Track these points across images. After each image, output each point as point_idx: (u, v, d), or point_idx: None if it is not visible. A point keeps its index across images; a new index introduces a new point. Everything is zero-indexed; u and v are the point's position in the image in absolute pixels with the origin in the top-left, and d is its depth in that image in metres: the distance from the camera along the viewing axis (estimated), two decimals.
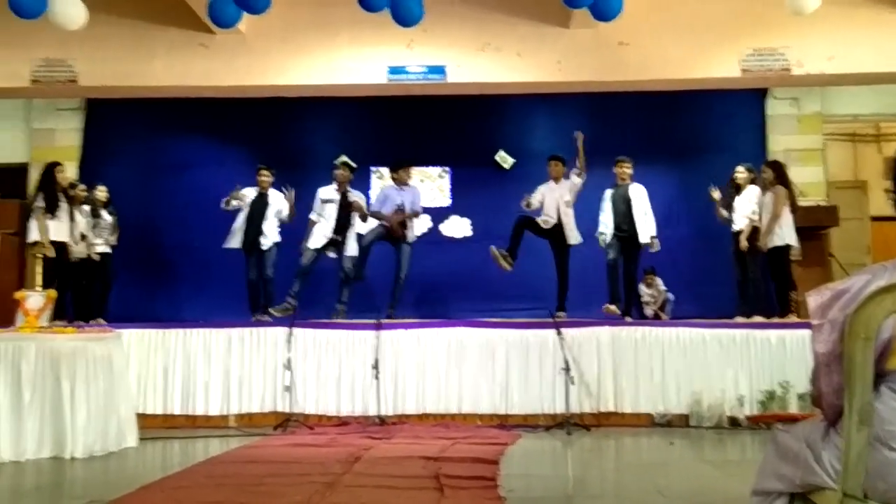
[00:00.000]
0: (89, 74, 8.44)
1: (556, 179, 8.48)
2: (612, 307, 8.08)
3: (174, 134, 10.42)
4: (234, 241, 8.52)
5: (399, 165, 8.81)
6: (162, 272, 10.02)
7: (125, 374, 6.50)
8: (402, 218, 8.47)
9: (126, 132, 10.40)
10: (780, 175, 8.02)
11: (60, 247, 7.90)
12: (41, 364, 5.73)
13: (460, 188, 10.46)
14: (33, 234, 7.85)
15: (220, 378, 7.55)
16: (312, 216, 8.50)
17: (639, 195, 8.33)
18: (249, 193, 8.57)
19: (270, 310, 8.13)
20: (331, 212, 8.47)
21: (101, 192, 8.86)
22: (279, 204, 8.58)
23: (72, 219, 8.20)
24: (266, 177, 8.59)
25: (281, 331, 7.58)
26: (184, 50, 8.42)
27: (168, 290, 9.91)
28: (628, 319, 8.03)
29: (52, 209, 7.87)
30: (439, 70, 8.48)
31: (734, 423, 7.24)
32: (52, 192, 7.91)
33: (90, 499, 4.19)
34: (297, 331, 7.55)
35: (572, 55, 8.38)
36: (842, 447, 1.93)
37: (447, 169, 10.43)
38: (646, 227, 8.26)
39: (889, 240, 9.86)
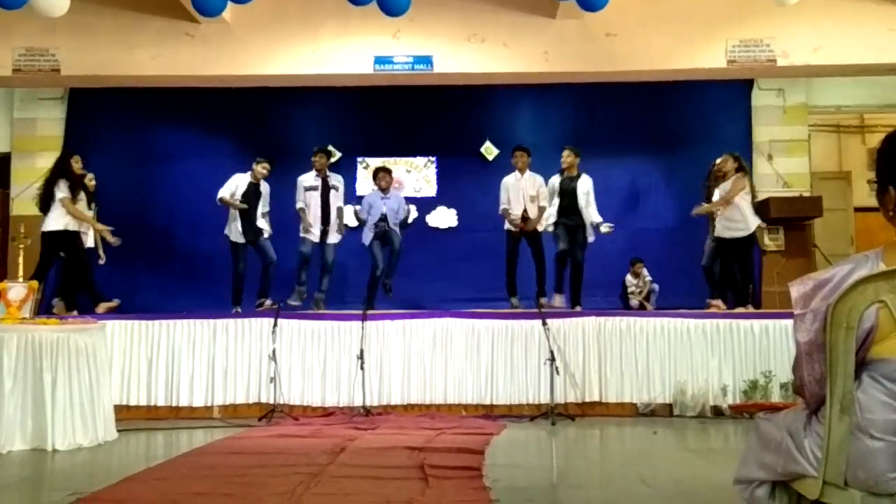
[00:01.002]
0: (72, 63, 8.35)
1: (522, 171, 8.52)
2: (556, 299, 8.26)
3: (158, 124, 10.34)
4: (234, 232, 8.45)
5: (378, 172, 8.82)
6: (146, 263, 9.95)
7: (107, 366, 6.45)
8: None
9: (109, 122, 10.30)
10: (741, 165, 8.16)
11: (74, 235, 7.85)
12: (23, 355, 5.68)
13: (446, 178, 10.45)
14: (58, 224, 7.75)
15: (204, 369, 7.52)
16: (299, 205, 8.47)
17: (585, 186, 8.37)
18: (241, 181, 8.50)
19: (289, 300, 8.13)
20: (315, 199, 8.44)
21: (91, 182, 8.71)
22: (268, 195, 8.56)
23: (89, 207, 8.16)
24: (263, 169, 8.52)
25: (266, 322, 7.55)
26: (168, 39, 8.35)
27: (152, 280, 9.85)
28: (578, 309, 8.05)
29: (75, 197, 7.81)
30: (426, 60, 8.45)
31: (717, 412, 7.29)
32: (73, 180, 7.85)
33: (73, 490, 4.16)
34: (281, 322, 7.52)
35: (559, 46, 8.37)
36: (823, 436, 1.94)
37: (433, 159, 10.41)
38: (589, 216, 8.33)
39: (872, 230, 9.90)
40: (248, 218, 8.40)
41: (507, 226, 8.48)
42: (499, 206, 8.53)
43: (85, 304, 8.12)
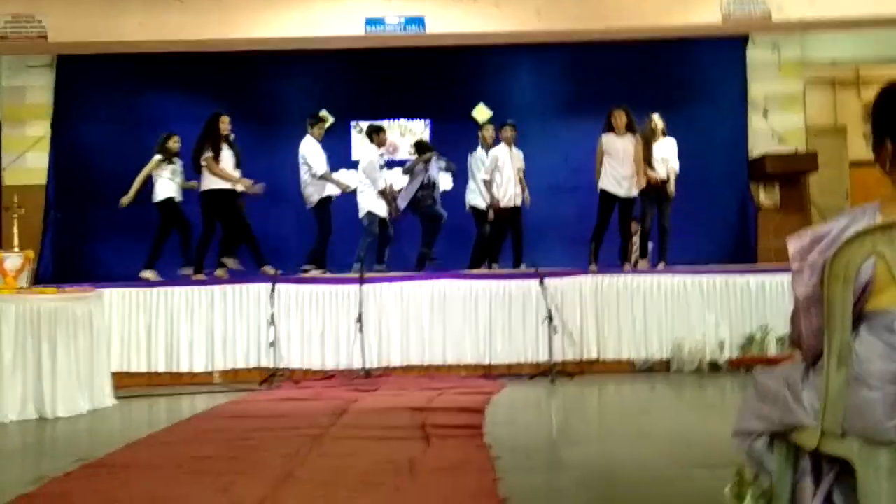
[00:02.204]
0: (59, 30, 8.25)
1: (509, 144, 8.59)
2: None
3: (148, 90, 10.22)
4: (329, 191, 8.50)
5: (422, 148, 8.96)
6: (138, 230, 9.91)
7: (105, 334, 6.47)
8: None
9: (98, 88, 10.18)
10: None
11: (228, 194, 7.98)
12: (21, 325, 5.70)
13: (440, 141, 10.37)
14: (209, 184, 7.96)
15: (203, 335, 7.55)
16: (381, 185, 8.55)
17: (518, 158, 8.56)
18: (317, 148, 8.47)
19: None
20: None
21: (176, 144, 8.57)
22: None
23: (238, 165, 8.16)
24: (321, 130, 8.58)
25: (264, 287, 7.56)
26: (157, 4, 8.24)
27: (146, 246, 9.80)
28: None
29: (218, 156, 7.94)
30: (418, 21, 8.37)
31: (714, 367, 7.36)
32: (216, 140, 7.99)
33: (77, 457, 4.20)
34: (279, 286, 7.54)
35: (551, 4, 8.29)
36: (820, 387, 1.96)
37: (427, 122, 10.34)
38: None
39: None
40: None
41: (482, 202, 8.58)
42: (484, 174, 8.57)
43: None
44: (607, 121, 8.09)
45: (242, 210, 8.17)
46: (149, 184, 8.42)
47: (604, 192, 8.07)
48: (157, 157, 8.33)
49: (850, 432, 1.90)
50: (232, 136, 8.17)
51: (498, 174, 8.50)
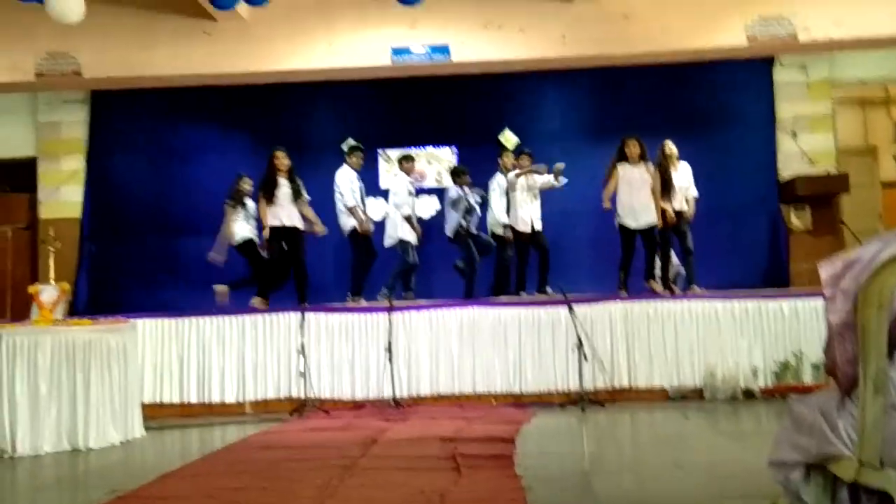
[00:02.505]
0: (93, 66, 8.44)
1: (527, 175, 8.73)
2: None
3: (179, 122, 10.40)
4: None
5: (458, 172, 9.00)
6: (173, 260, 10.04)
7: (136, 365, 6.54)
8: None
9: (132, 122, 10.38)
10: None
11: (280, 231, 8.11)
12: (57, 357, 5.77)
13: (468, 167, 10.41)
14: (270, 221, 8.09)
15: (234, 365, 7.59)
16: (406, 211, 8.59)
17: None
18: (353, 178, 8.53)
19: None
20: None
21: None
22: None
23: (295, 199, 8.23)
24: (360, 159, 8.68)
25: (294, 316, 7.60)
26: (187, 38, 8.40)
27: (180, 277, 9.93)
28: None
29: (270, 195, 8.07)
30: (443, 50, 8.44)
31: (749, 394, 7.24)
32: (266, 177, 8.12)
33: (111, 488, 4.23)
34: (309, 316, 7.58)
35: (576, 29, 8.32)
36: (857, 416, 1.92)
37: (454, 149, 10.39)
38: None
39: None
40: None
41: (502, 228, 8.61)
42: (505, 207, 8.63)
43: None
44: (620, 150, 8.12)
45: (299, 248, 8.22)
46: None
47: (623, 227, 8.09)
48: (228, 202, 8.50)
49: (888, 463, 1.86)
50: (287, 168, 8.22)
51: (518, 205, 8.55)
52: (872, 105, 10.92)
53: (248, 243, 8.47)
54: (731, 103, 10.04)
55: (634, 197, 8.00)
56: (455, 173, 9.03)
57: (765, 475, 2.25)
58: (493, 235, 8.78)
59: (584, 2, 8.13)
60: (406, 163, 8.91)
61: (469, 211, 8.73)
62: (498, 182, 8.75)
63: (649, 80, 9.75)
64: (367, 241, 8.51)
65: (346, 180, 8.46)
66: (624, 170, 8.07)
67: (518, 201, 8.61)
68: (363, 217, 8.45)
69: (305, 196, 8.25)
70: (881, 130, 10.82)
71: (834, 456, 1.99)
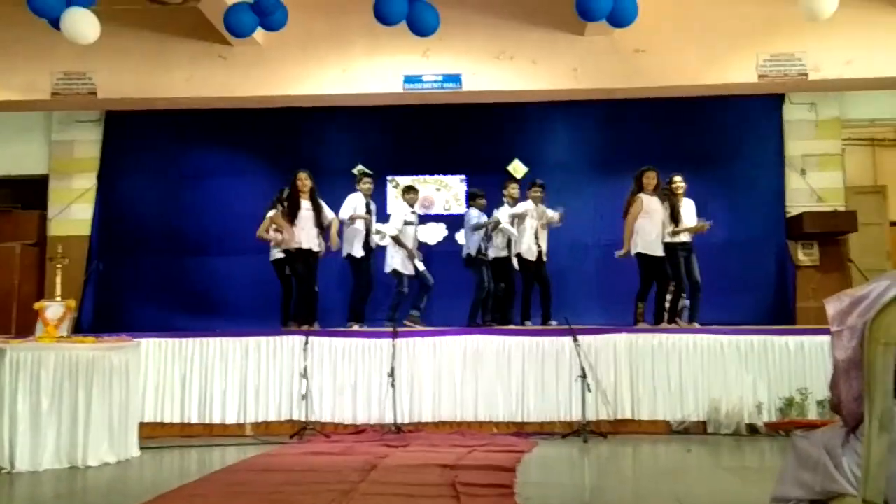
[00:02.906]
0: (109, 87, 8.51)
1: (537, 203, 8.84)
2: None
3: (192, 145, 10.48)
4: (357, 248, 8.55)
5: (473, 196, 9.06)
6: (180, 282, 10.07)
7: (138, 384, 6.53)
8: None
9: (145, 143, 10.47)
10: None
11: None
12: (60, 374, 5.78)
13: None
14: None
15: (236, 387, 7.58)
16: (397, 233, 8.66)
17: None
18: (358, 201, 8.64)
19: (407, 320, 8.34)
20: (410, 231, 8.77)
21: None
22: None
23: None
24: (370, 183, 8.79)
25: (297, 339, 7.60)
26: (202, 62, 8.48)
27: (186, 299, 9.96)
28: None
29: (292, 215, 8.27)
30: (455, 79, 8.49)
31: (752, 430, 7.19)
32: (295, 199, 8.33)
33: None
34: (313, 339, 7.58)
35: (588, 62, 8.36)
36: (862, 454, 1.91)
37: (463, 177, 10.43)
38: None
39: None
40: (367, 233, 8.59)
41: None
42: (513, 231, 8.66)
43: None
44: (638, 180, 8.21)
45: (313, 270, 8.33)
46: (265, 242, 8.67)
47: (644, 256, 8.13)
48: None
49: (893, 502, 1.84)
50: (309, 189, 8.37)
51: (527, 230, 8.63)
52: (882, 145, 10.94)
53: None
54: (741, 139, 10.07)
55: (653, 228, 8.13)
56: (472, 196, 9.06)
57: None
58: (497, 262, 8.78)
59: (597, 35, 8.17)
60: (408, 193, 8.96)
61: (490, 237, 8.72)
62: (503, 213, 8.74)
63: (660, 113, 9.79)
64: (367, 267, 8.52)
65: (350, 202, 8.59)
66: (648, 200, 8.20)
67: (528, 231, 8.65)
68: (334, 235, 8.46)
69: (329, 215, 8.42)
70: (890, 170, 10.82)
71: (838, 493, 1.97)
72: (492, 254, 8.65)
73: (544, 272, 8.76)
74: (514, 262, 8.70)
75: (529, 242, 8.69)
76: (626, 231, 8.23)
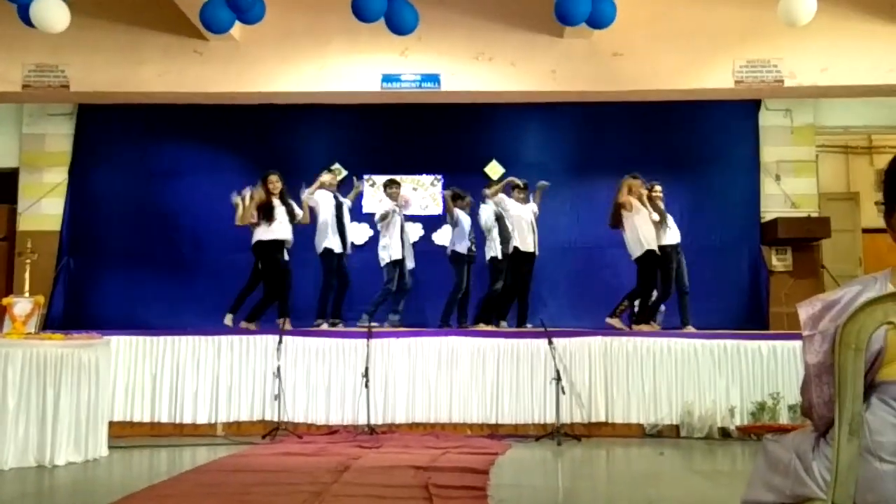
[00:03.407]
0: (81, 80, 8.39)
1: (523, 202, 8.79)
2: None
3: (166, 140, 10.37)
4: (335, 243, 8.51)
5: (457, 196, 8.94)
6: (151, 278, 9.96)
7: (108, 382, 6.43)
8: None
9: (118, 138, 10.34)
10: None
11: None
12: (27, 371, 5.67)
13: None
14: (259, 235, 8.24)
15: (208, 386, 7.50)
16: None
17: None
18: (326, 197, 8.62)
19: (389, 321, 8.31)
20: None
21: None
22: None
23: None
24: (334, 180, 8.81)
25: (271, 339, 7.53)
26: (177, 56, 8.39)
27: (158, 295, 9.84)
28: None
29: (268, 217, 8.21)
30: (433, 79, 8.47)
31: (725, 433, 7.24)
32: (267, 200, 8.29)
33: None
34: (286, 339, 7.51)
35: (566, 65, 8.38)
36: (832, 458, 1.90)
37: (440, 177, 10.41)
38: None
39: (881, 251, 9.86)
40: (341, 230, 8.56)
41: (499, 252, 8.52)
42: (505, 236, 8.58)
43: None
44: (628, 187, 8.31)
45: (287, 261, 8.31)
46: (246, 231, 8.47)
47: (650, 254, 8.16)
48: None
49: None
50: (279, 192, 8.34)
51: (518, 231, 8.57)
52: (855, 153, 11.07)
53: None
54: (717, 144, 10.15)
55: (651, 227, 8.23)
56: (457, 197, 8.97)
57: None
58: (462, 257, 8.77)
59: (576, 38, 8.19)
60: (390, 188, 8.93)
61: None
62: (483, 213, 8.74)
63: (636, 117, 9.84)
64: (339, 264, 8.47)
65: (320, 194, 8.61)
66: (635, 203, 8.28)
67: (514, 229, 8.58)
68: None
69: (299, 213, 8.40)
70: (863, 177, 10.96)
71: (807, 497, 1.97)
72: (490, 253, 8.56)
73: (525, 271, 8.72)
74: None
75: (518, 243, 8.59)
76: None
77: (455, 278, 8.61)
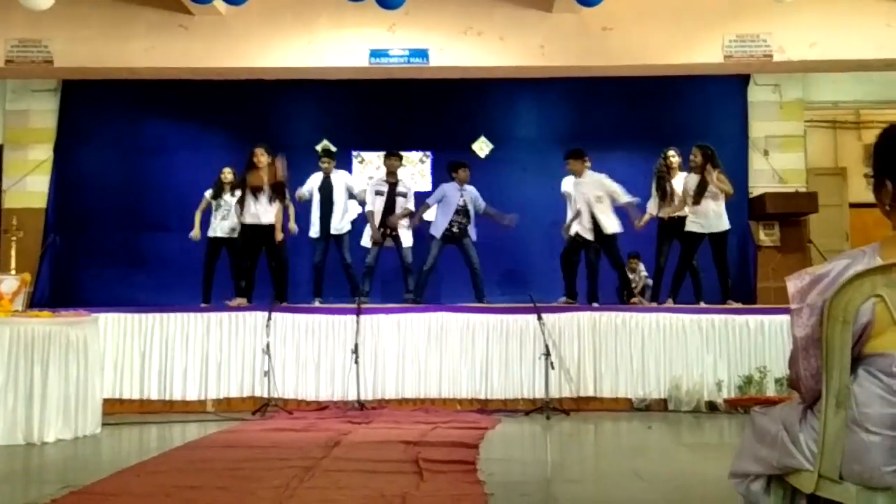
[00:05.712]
0: (65, 55, 8.30)
1: (579, 174, 8.31)
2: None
3: (152, 116, 10.29)
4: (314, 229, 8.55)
5: (457, 166, 8.60)
6: (138, 255, 9.91)
7: (98, 359, 6.42)
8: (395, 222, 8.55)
9: (102, 114, 10.25)
10: (710, 159, 8.02)
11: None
12: (15, 349, 5.64)
13: (441, 173, 10.39)
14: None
15: (198, 363, 7.49)
16: (369, 208, 8.61)
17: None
18: (314, 180, 8.59)
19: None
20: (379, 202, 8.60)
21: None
22: (345, 184, 8.69)
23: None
24: (327, 163, 8.62)
25: (260, 315, 7.52)
26: (162, 31, 8.31)
27: (145, 273, 9.81)
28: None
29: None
30: (422, 54, 8.42)
31: (712, 407, 7.30)
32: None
33: (65, 483, 4.14)
34: (276, 315, 7.50)
35: (555, 40, 8.35)
36: (819, 429, 1.93)
37: (428, 153, 10.38)
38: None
39: (867, 226, 9.92)
40: (324, 213, 8.49)
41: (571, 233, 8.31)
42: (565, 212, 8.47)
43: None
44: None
45: (274, 245, 8.16)
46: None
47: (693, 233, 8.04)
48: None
49: (847, 477, 1.87)
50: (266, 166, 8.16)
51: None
52: (843, 128, 11.11)
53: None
54: (705, 119, 10.14)
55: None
56: (451, 169, 8.65)
57: (725, 486, 2.25)
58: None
59: (565, 12, 8.15)
60: (389, 159, 8.79)
61: (461, 212, 8.48)
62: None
63: (625, 92, 9.82)
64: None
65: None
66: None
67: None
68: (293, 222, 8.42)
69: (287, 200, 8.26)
70: (851, 153, 11.01)
71: (794, 468, 1.99)
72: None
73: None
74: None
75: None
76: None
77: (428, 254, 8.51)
